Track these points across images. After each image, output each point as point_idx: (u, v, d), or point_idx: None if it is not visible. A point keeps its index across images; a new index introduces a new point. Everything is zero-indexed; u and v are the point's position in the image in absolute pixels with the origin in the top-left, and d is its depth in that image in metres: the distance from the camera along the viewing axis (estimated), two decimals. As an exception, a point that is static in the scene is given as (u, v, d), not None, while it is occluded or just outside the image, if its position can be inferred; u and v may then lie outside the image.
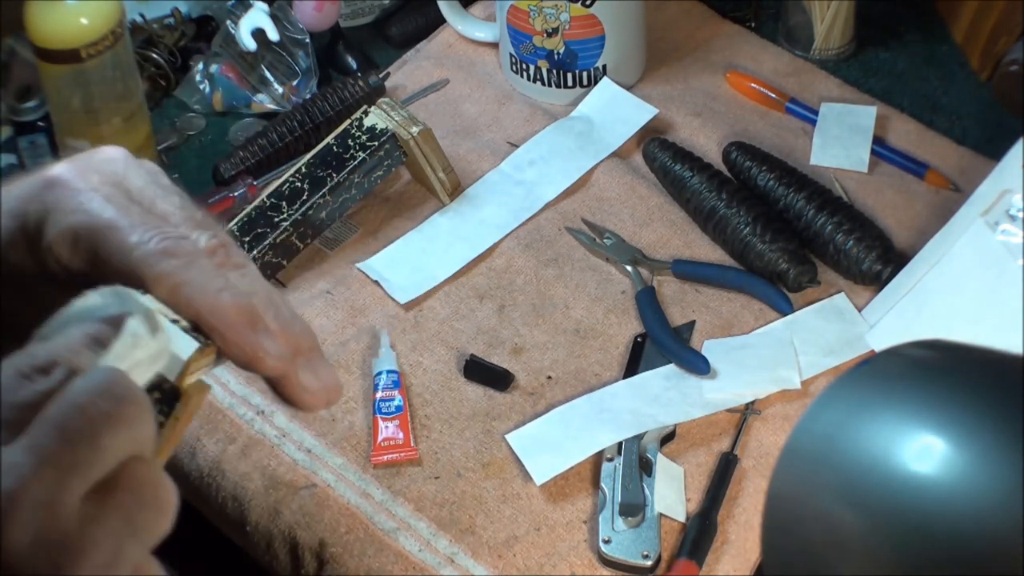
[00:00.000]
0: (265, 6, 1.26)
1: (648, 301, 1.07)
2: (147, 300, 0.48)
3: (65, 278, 0.51)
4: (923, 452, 0.53)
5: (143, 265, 0.49)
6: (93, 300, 0.47)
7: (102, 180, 0.51)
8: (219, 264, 0.50)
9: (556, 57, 1.23)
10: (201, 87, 1.29)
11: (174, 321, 0.49)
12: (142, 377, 0.46)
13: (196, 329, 0.49)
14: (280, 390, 0.51)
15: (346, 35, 1.34)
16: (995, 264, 0.98)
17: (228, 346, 0.49)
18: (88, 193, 0.50)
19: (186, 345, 0.48)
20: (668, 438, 0.99)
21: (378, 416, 1.00)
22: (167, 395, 0.48)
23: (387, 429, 0.99)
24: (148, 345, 0.46)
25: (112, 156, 0.53)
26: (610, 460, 0.97)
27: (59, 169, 0.52)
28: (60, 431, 0.41)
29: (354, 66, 1.31)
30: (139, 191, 0.52)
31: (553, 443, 0.98)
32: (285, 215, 1.09)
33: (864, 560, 0.53)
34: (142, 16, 1.33)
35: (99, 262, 0.49)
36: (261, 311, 0.50)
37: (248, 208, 1.10)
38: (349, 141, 1.11)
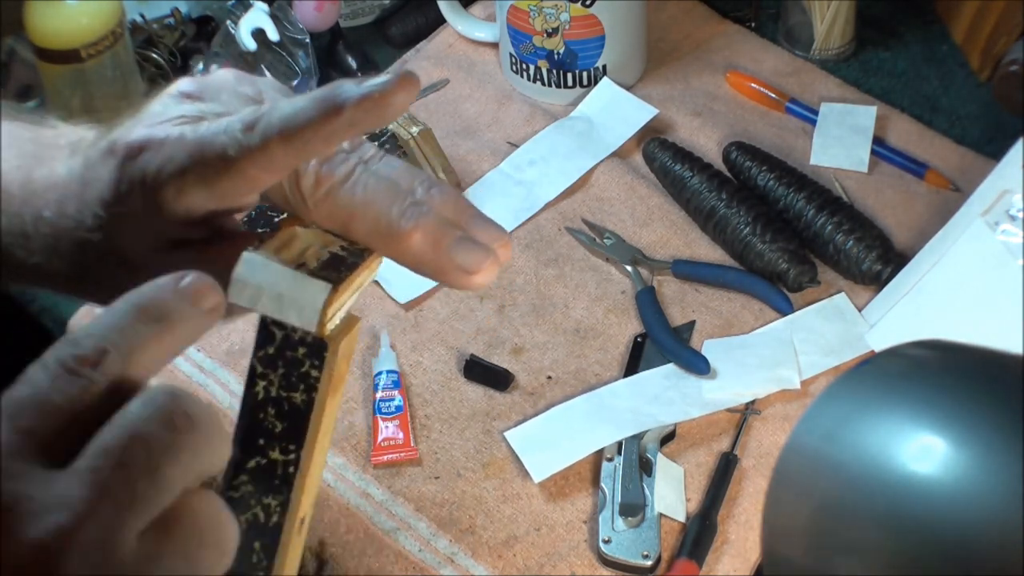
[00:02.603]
0: (265, 6, 1.26)
1: (648, 301, 1.07)
2: (257, 256, 0.46)
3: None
4: (923, 452, 0.53)
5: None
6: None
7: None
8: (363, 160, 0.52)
9: (556, 57, 1.23)
10: (201, 87, 1.29)
11: (299, 266, 0.46)
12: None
13: (328, 266, 0.46)
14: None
15: (346, 35, 1.34)
16: (995, 264, 0.98)
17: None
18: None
19: (316, 291, 0.45)
20: (668, 438, 0.99)
21: (378, 416, 1.00)
22: (313, 348, 0.45)
23: (387, 429, 0.99)
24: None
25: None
26: (610, 460, 0.97)
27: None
28: (118, 463, 0.36)
29: (354, 66, 1.31)
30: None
31: (552, 441, 0.98)
32: (285, 215, 1.08)
33: (864, 560, 0.53)
34: (142, 16, 1.33)
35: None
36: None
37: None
38: (349, 141, 1.11)
